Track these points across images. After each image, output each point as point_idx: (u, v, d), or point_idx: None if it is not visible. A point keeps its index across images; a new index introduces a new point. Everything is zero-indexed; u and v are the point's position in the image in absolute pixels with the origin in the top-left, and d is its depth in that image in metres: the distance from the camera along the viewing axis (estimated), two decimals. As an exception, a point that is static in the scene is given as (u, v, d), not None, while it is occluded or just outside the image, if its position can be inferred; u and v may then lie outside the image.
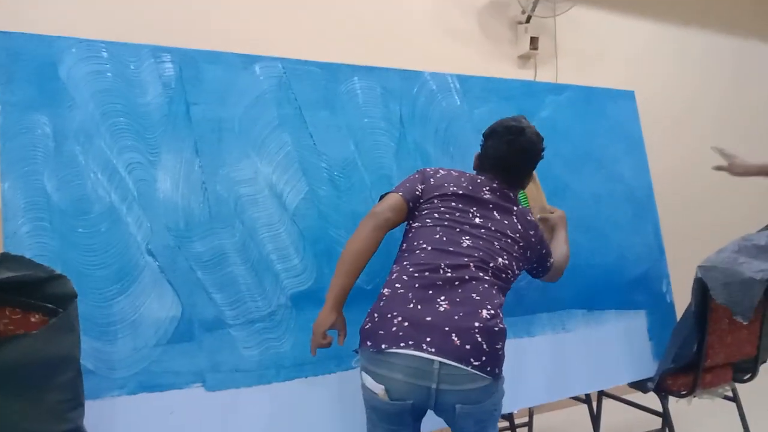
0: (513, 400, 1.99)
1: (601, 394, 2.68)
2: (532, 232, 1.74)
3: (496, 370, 1.48)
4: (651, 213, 2.57)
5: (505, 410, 1.88)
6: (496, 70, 3.14)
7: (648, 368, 2.43)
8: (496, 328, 1.49)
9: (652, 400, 2.50)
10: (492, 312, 1.50)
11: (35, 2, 2.19)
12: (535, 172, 2.19)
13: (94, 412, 1.50)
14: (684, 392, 2.36)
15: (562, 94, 2.43)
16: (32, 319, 1.31)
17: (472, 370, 1.43)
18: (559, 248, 1.97)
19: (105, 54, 1.71)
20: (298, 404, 1.78)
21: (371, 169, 2.00)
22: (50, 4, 2.21)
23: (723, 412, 2.76)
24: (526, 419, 2.86)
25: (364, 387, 1.55)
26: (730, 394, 2.55)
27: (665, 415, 2.45)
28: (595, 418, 2.65)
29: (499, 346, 1.49)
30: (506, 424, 2.31)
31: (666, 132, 3.76)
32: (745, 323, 2.20)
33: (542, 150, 1.77)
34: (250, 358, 1.74)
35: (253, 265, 1.79)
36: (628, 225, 2.48)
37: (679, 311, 2.45)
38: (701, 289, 2.22)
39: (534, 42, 3.20)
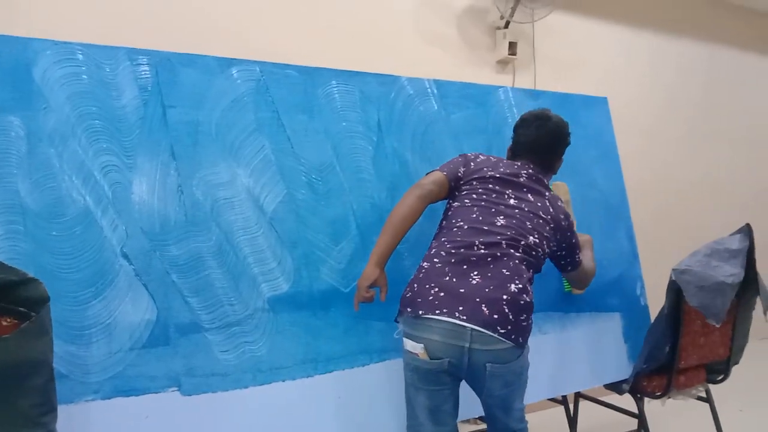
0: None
1: (578, 395, 2.72)
2: (562, 216, 1.87)
3: (520, 339, 1.64)
4: (624, 217, 2.61)
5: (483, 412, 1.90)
6: (474, 75, 3.16)
7: (623, 370, 2.46)
8: (522, 302, 1.64)
9: (627, 401, 2.53)
10: (520, 286, 1.66)
11: (9, 3, 2.17)
12: (569, 195, 2.34)
13: (68, 417, 1.49)
14: (658, 393, 2.39)
15: (537, 99, 2.46)
16: (4, 323, 1.29)
17: (498, 337, 1.59)
18: (586, 263, 2.05)
19: (80, 56, 1.69)
20: (275, 409, 1.77)
21: (349, 172, 2.01)
22: (25, 5, 2.19)
23: (696, 413, 2.80)
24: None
25: (405, 351, 1.70)
26: (703, 394, 2.59)
27: (641, 416, 2.48)
28: (572, 420, 2.68)
29: (523, 318, 1.65)
30: (483, 426, 2.32)
31: (640, 137, 3.83)
32: (717, 326, 2.25)
33: (569, 134, 1.92)
34: (227, 362, 1.73)
35: (229, 269, 1.78)
36: (602, 229, 2.51)
37: (654, 314, 2.48)
38: (675, 291, 2.26)
39: (512, 47, 3.23)
